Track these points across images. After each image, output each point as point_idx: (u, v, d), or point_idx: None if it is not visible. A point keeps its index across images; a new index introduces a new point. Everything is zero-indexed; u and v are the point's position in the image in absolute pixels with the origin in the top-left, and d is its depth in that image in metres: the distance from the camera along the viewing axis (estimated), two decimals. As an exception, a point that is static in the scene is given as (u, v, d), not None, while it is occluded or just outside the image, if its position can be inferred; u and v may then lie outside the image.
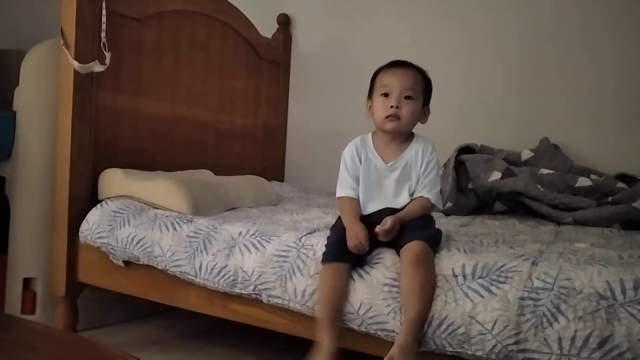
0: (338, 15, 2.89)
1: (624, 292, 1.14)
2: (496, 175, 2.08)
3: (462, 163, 2.18)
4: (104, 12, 1.91)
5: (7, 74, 2.20)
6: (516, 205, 2.13)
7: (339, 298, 1.38)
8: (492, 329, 1.22)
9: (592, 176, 2.07)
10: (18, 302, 2.00)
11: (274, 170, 2.91)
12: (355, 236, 1.39)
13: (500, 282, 1.26)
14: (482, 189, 2.09)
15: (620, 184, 2.02)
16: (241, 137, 2.70)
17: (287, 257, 1.50)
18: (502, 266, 1.29)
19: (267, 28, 2.86)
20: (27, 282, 2.01)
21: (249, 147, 2.75)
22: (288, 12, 2.97)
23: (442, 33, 2.61)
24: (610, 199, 1.99)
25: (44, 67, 2.02)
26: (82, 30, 1.86)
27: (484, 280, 1.28)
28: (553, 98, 2.39)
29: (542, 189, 2.03)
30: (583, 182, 2.04)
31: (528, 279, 1.24)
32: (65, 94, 1.88)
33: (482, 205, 2.16)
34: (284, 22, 2.96)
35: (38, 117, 2.03)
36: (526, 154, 2.21)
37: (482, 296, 1.26)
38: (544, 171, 2.09)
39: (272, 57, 2.88)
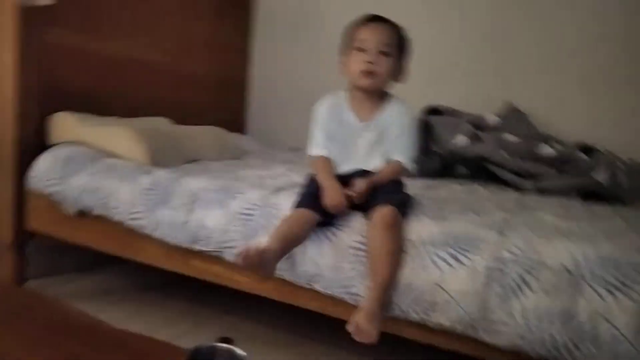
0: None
1: (589, 268, 1.16)
2: (462, 140, 2.08)
3: (427, 125, 2.16)
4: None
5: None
6: (478, 170, 2.14)
7: (295, 236, 1.33)
8: (458, 298, 1.23)
9: (554, 144, 2.09)
10: (-41, 249, 1.88)
11: (235, 121, 2.81)
12: (334, 196, 1.36)
13: (468, 252, 1.26)
14: (447, 153, 2.09)
15: (580, 154, 2.05)
16: (201, 85, 2.57)
17: (252, 215, 1.46)
18: (470, 235, 1.30)
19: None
20: (-31, 228, 1.89)
21: (208, 96, 2.63)
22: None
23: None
24: (569, 168, 2.02)
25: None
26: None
27: (452, 248, 1.28)
28: (519, 61, 2.38)
29: (506, 156, 2.04)
30: (545, 150, 2.06)
31: (496, 249, 1.24)
32: (6, 30, 1.72)
33: (445, 168, 2.16)
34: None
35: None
36: (491, 119, 2.21)
37: (450, 265, 1.26)
38: (509, 137, 2.10)
39: (237, 1, 2.73)
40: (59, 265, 2.06)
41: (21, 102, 1.75)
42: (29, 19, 1.73)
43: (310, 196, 1.40)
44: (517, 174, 2.03)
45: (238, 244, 1.44)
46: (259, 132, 2.82)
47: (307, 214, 1.36)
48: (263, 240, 1.27)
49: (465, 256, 1.26)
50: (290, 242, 1.33)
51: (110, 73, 2.08)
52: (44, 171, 1.72)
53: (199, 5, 2.49)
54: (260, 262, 1.22)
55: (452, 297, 1.24)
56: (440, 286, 1.26)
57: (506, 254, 1.23)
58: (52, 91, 1.85)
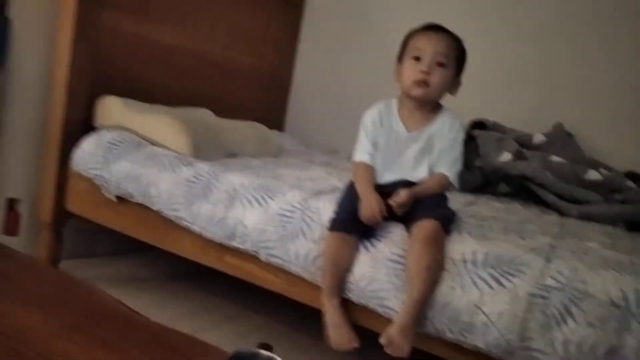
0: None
1: (638, 303, 1.12)
2: (507, 157, 2.03)
3: (472, 138, 2.12)
4: None
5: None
6: (520, 189, 2.09)
7: (344, 269, 1.34)
8: (497, 322, 1.20)
9: (601, 170, 2.03)
10: (1, 221, 1.92)
11: (275, 117, 2.80)
12: (370, 207, 1.34)
13: (511, 275, 1.23)
14: (490, 168, 2.04)
15: (629, 183, 1.98)
16: (245, 78, 2.57)
17: (291, 217, 1.44)
18: (514, 258, 1.26)
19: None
20: (12, 203, 1.92)
21: (251, 90, 2.63)
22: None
23: (463, 5, 2.48)
24: (617, 196, 1.96)
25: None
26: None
27: (495, 270, 1.25)
28: (571, 84, 2.31)
29: (550, 177, 1.98)
30: (592, 175, 2.00)
31: (540, 275, 1.20)
32: (66, 12, 1.74)
33: (485, 184, 2.12)
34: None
35: (35, 30, 1.88)
36: (538, 138, 2.15)
37: (490, 287, 1.23)
38: (555, 159, 2.04)
39: (287, -5, 2.72)
40: (92, 247, 2.08)
41: (72, 83, 1.77)
42: (86, 1, 1.75)
43: (348, 214, 1.37)
44: (561, 197, 1.97)
45: (275, 245, 1.43)
46: (297, 130, 2.80)
47: (347, 239, 1.35)
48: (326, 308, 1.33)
49: (508, 279, 1.23)
50: (341, 276, 1.34)
51: (158, 59, 2.09)
52: (87, 154, 1.74)
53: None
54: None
55: (490, 320, 1.20)
56: (478, 307, 1.22)
57: (551, 281, 1.19)
58: (101, 74, 1.87)
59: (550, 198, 1.97)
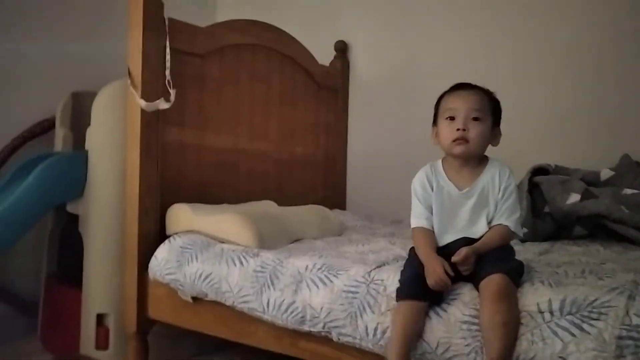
0: (395, 40, 2.84)
1: None
2: (575, 198, 1.95)
3: (536, 185, 2.06)
4: (168, 50, 1.94)
5: (81, 115, 2.29)
6: (598, 229, 1.99)
7: (413, 339, 1.31)
8: (587, 372, 1.12)
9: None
10: (92, 338, 2.03)
11: (336, 198, 2.87)
12: (434, 272, 1.32)
13: (593, 319, 1.16)
14: (560, 213, 1.97)
15: None
16: (302, 166, 2.68)
17: (357, 292, 1.45)
18: (593, 301, 1.19)
19: (324, 56, 2.85)
20: (100, 318, 2.04)
21: (310, 176, 2.73)
22: (345, 39, 2.96)
23: (508, 50, 2.52)
24: None
25: (113, 107, 2.08)
26: (147, 69, 1.90)
27: (574, 317, 1.18)
28: (632, 111, 2.24)
29: (626, 211, 1.88)
30: (673, 202, 1.87)
31: (625, 315, 1.13)
32: (133, 133, 1.92)
33: (559, 230, 2.03)
34: (341, 48, 2.94)
35: (108, 155, 2.09)
36: (606, 173, 2.07)
37: (573, 335, 1.16)
38: (628, 191, 1.94)
39: (331, 85, 2.87)
40: (178, 351, 2.14)
41: (144, 197, 1.90)
42: (151, 122, 1.92)
43: (413, 280, 1.35)
44: (642, 229, 1.85)
45: (344, 322, 1.43)
46: (359, 207, 2.84)
47: (414, 306, 1.32)
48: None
49: (590, 324, 1.15)
50: (411, 344, 1.31)
51: (220, 163, 2.23)
52: (162, 261, 1.84)
53: (296, 95, 2.64)
54: None
55: (580, 371, 1.13)
56: (564, 359, 1.15)
57: (638, 320, 1.11)
58: (170, 185, 2.00)
59: (632, 232, 1.86)
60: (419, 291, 1.33)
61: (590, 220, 1.95)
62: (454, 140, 1.41)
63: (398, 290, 1.37)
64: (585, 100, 2.34)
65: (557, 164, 2.17)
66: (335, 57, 2.94)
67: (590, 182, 2.03)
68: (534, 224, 1.99)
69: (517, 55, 2.50)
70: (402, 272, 1.41)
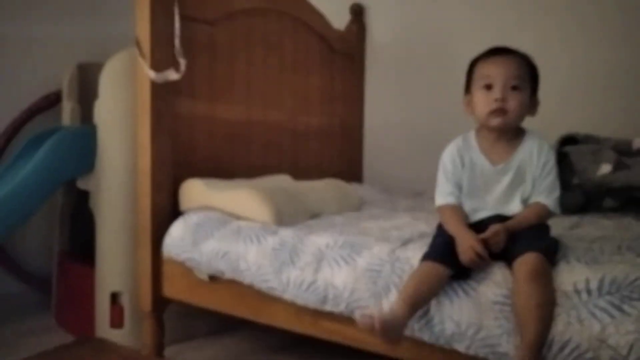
0: (415, 1, 2.71)
1: None
2: (606, 169, 1.86)
3: (565, 155, 1.97)
4: (177, 17, 1.85)
5: (89, 88, 2.21)
6: (628, 201, 1.90)
7: (425, 294, 1.24)
8: (627, 355, 1.06)
9: None
10: (107, 316, 2.00)
11: (352, 170, 2.79)
12: (470, 248, 1.24)
13: (634, 300, 1.10)
14: (590, 184, 1.88)
15: None
16: (318, 138, 2.59)
17: (381, 272, 1.38)
18: (634, 280, 1.12)
19: (339, 19, 2.72)
20: (115, 297, 2.00)
21: (326, 148, 2.64)
22: (361, 1, 2.83)
23: (536, 7, 2.38)
24: None
25: (122, 79, 2.00)
26: (156, 38, 1.81)
27: (614, 297, 1.12)
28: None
29: (661, 182, 1.79)
30: None
31: (671, 296, 1.06)
32: (143, 105, 1.84)
33: (589, 202, 1.94)
34: (357, 12, 2.81)
35: (118, 129, 2.02)
36: (638, 142, 1.97)
37: (612, 316, 1.10)
38: (662, 161, 1.85)
39: (346, 50, 2.74)
40: (193, 330, 2.11)
41: (155, 172, 1.84)
42: (161, 93, 1.84)
43: (442, 246, 1.29)
44: (678, 201, 1.77)
45: (368, 302, 1.37)
46: (377, 179, 2.76)
47: (437, 269, 1.25)
48: (388, 304, 1.21)
49: (631, 305, 1.09)
50: (417, 303, 1.23)
51: (233, 136, 2.15)
52: (176, 238, 1.78)
53: (310, 62, 2.53)
54: (384, 331, 1.15)
55: (619, 353, 1.07)
56: (603, 341, 1.09)
57: (686, 302, 1.04)
58: (182, 159, 1.93)
59: (666, 205, 1.77)
60: (447, 257, 1.26)
61: (622, 192, 1.87)
62: (491, 112, 1.31)
63: (424, 255, 1.30)
64: (618, 65, 2.21)
65: (586, 133, 2.07)
66: (350, 20, 2.81)
67: (622, 152, 1.94)
68: (563, 196, 1.90)
69: (545, 13, 2.36)
70: (429, 245, 1.34)
